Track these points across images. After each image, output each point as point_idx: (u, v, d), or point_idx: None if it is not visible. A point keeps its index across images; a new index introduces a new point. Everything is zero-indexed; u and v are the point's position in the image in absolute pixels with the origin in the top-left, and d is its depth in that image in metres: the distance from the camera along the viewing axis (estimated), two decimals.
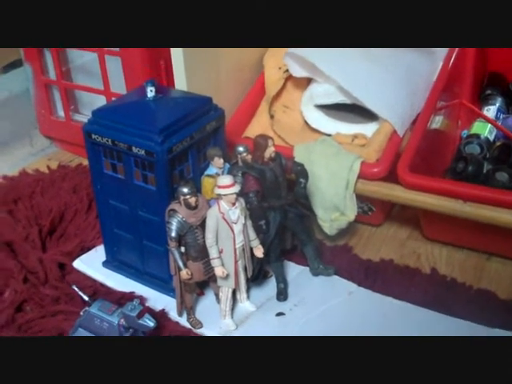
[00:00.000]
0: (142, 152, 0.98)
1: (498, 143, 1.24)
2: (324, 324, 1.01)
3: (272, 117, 1.30)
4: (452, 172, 1.21)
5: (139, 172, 1.01)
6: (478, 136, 1.26)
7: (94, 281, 1.13)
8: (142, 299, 1.06)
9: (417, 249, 1.20)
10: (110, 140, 1.00)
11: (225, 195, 0.95)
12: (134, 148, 0.98)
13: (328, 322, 1.02)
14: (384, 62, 1.24)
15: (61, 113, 1.56)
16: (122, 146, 0.99)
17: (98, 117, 1.03)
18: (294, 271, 1.13)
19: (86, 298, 1.02)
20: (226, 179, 0.96)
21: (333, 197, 1.15)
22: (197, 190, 1.00)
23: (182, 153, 1.01)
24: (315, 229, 1.17)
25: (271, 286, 1.10)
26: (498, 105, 1.35)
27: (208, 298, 1.08)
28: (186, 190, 0.96)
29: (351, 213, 1.15)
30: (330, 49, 1.23)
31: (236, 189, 0.96)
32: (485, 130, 1.28)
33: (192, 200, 0.96)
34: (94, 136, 1.02)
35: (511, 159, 1.18)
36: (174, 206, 0.97)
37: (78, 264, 1.17)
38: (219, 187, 0.96)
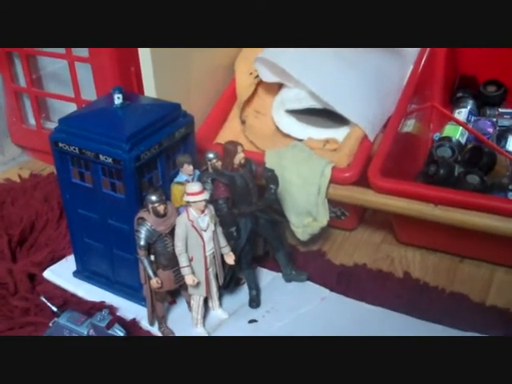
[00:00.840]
0: (110, 160, 0.96)
1: (470, 146, 1.25)
2: (297, 330, 1.00)
3: (243, 122, 1.29)
4: (424, 175, 1.21)
5: (107, 180, 1.00)
6: (449, 139, 1.26)
7: (64, 291, 1.11)
8: (112, 309, 1.05)
9: (390, 253, 1.19)
10: (77, 148, 0.99)
11: (194, 202, 0.94)
12: (101, 156, 0.97)
13: (301, 328, 1.01)
14: (354, 66, 1.24)
15: (32, 121, 1.54)
16: (89, 154, 0.98)
17: (64, 125, 1.02)
18: (267, 277, 1.13)
19: (54, 309, 1.00)
20: (194, 186, 0.95)
21: (305, 202, 1.14)
22: (166, 197, 0.99)
23: (151, 160, 1.00)
24: (288, 234, 1.16)
25: (243, 292, 1.09)
26: (469, 107, 1.36)
27: (180, 307, 1.07)
28: (154, 197, 0.95)
29: (323, 218, 1.15)
30: (300, 54, 1.23)
31: (205, 196, 0.95)
32: (456, 133, 1.28)
33: (161, 208, 0.95)
34: (61, 144, 1.01)
35: (482, 162, 1.19)
36: (142, 214, 0.96)
37: (49, 274, 1.15)
38: (188, 194, 0.95)
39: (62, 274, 1.15)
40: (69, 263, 1.16)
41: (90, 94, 1.36)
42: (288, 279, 1.11)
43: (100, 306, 1.05)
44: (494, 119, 1.33)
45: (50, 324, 0.97)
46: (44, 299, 1.02)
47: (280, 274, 1.12)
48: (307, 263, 1.15)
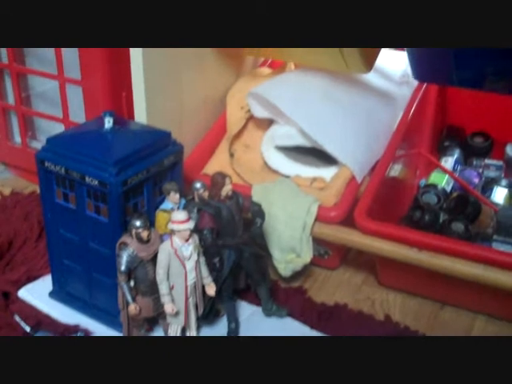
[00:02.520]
0: (96, 182, 0.95)
1: (455, 194, 1.25)
2: None
3: (232, 155, 1.29)
4: (408, 220, 1.21)
5: (91, 203, 0.99)
6: (435, 186, 1.27)
7: (38, 311, 1.09)
8: (87, 332, 1.03)
9: (371, 294, 1.19)
10: (63, 168, 0.98)
11: (178, 231, 0.93)
12: (87, 178, 0.96)
13: None
14: (346, 108, 1.25)
15: (18, 139, 1.52)
16: (75, 175, 0.97)
17: (52, 144, 1.01)
18: (247, 311, 1.11)
19: (27, 329, 0.98)
20: (180, 215, 0.94)
21: (289, 238, 1.13)
22: (151, 223, 0.98)
23: (137, 186, 0.99)
24: (270, 269, 1.15)
25: (222, 325, 1.07)
26: (456, 156, 1.37)
27: (156, 335, 1.05)
28: (138, 223, 0.93)
29: (307, 255, 1.14)
30: (292, 91, 1.25)
31: (190, 225, 0.94)
32: (442, 181, 1.29)
33: (144, 234, 0.94)
34: (47, 163, 1.00)
35: (467, 211, 1.19)
36: (125, 238, 0.95)
37: (23, 293, 1.12)
38: (173, 222, 0.94)
39: (38, 293, 1.12)
40: (45, 283, 1.14)
41: (78, 116, 1.36)
42: (268, 314, 1.10)
43: (74, 329, 1.03)
44: (480, 170, 1.34)
45: None
46: (17, 318, 1.00)
47: (260, 308, 1.10)
48: (288, 299, 1.14)
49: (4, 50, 1.41)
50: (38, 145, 1.48)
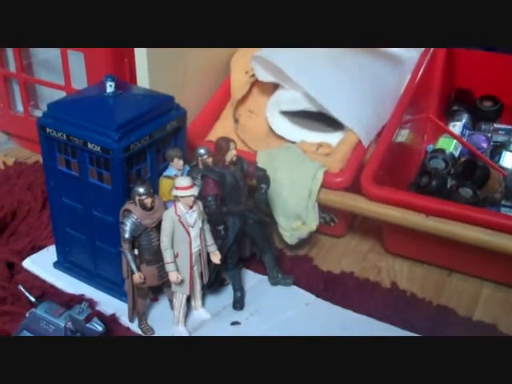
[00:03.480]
0: (98, 149, 0.94)
1: (463, 159, 1.24)
2: (280, 334, 0.98)
3: (236, 121, 1.27)
4: (416, 186, 1.20)
5: (94, 170, 0.98)
6: (443, 151, 1.25)
7: (43, 281, 1.08)
8: (91, 302, 1.02)
9: (378, 262, 1.18)
10: (64, 135, 0.96)
11: (182, 197, 0.92)
12: (89, 144, 0.94)
13: (284, 332, 0.98)
14: (352, 71, 1.22)
15: (20, 108, 1.50)
16: (77, 141, 0.96)
17: (53, 110, 0.99)
18: (252, 280, 1.10)
19: (32, 299, 0.98)
20: (183, 181, 0.93)
21: (295, 205, 1.12)
22: (154, 190, 0.96)
23: (140, 152, 0.98)
24: (275, 237, 1.14)
25: (227, 293, 1.06)
26: (464, 121, 1.35)
27: (161, 304, 1.04)
28: (141, 189, 0.92)
29: (313, 222, 1.13)
30: (298, 54, 1.22)
31: (194, 191, 0.92)
32: (450, 146, 1.27)
33: (148, 201, 0.93)
34: (48, 130, 0.98)
35: (475, 176, 1.17)
36: (128, 206, 0.94)
37: (28, 264, 1.12)
38: (177, 188, 0.92)
39: (42, 264, 1.12)
40: (50, 253, 1.13)
41: (80, 83, 1.34)
42: (274, 283, 1.09)
43: (79, 299, 1.02)
44: (489, 134, 1.32)
45: (27, 314, 0.94)
46: (22, 289, 0.99)
47: (266, 277, 1.10)
48: (294, 268, 1.13)
49: None
50: (40, 113, 1.44)
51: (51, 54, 1.41)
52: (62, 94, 1.37)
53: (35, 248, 1.16)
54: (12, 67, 1.46)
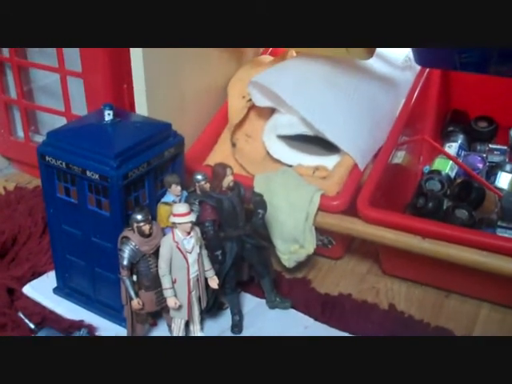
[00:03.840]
0: (97, 176, 0.95)
1: (459, 180, 1.25)
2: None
3: (234, 145, 1.28)
4: (412, 207, 1.21)
5: (93, 197, 0.99)
6: (439, 172, 1.26)
7: (43, 308, 1.09)
8: (91, 328, 1.03)
9: (376, 284, 1.18)
10: (64, 163, 0.98)
11: (180, 224, 0.93)
12: (88, 172, 0.96)
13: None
14: (347, 95, 1.23)
15: (20, 133, 1.52)
16: (76, 169, 0.97)
17: (52, 138, 1.01)
18: (251, 303, 1.11)
19: (31, 326, 0.98)
20: (181, 207, 0.94)
21: (292, 229, 1.13)
22: (152, 217, 0.98)
23: (138, 179, 0.99)
24: (273, 260, 1.15)
25: (226, 317, 1.07)
26: (459, 142, 1.36)
27: (160, 329, 1.05)
28: (139, 216, 0.93)
29: (310, 245, 1.14)
30: (293, 79, 1.23)
31: (191, 217, 0.94)
32: (446, 167, 1.28)
33: (146, 228, 0.94)
34: (47, 158, 1.00)
35: (471, 197, 1.18)
36: (126, 233, 0.95)
37: (28, 290, 1.13)
38: (174, 215, 0.93)
39: (42, 290, 1.12)
40: (49, 279, 1.14)
41: (80, 109, 1.35)
42: (272, 306, 1.09)
43: (79, 325, 1.03)
44: (484, 155, 1.33)
45: None
46: (22, 315, 1.00)
47: (264, 301, 1.10)
48: (292, 290, 1.13)
49: None
50: (40, 139, 1.46)
51: (51, 80, 1.42)
52: (62, 120, 1.39)
53: (35, 274, 1.17)
54: (12, 93, 1.48)
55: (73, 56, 1.31)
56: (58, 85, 1.38)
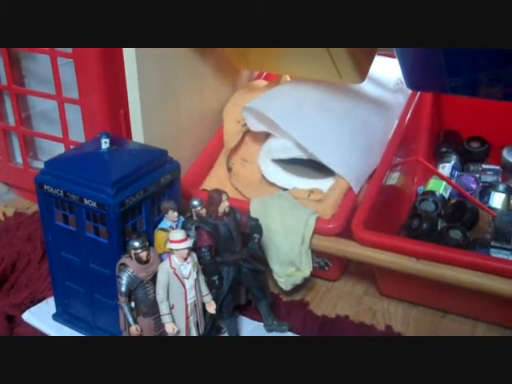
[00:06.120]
0: (94, 204, 0.96)
1: (453, 201, 1.26)
2: None
3: (230, 170, 1.30)
4: (407, 229, 1.22)
5: (91, 224, 1.00)
6: (433, 193, 1.28)
7: (42, 334, 1.10)
8: None
9: (373, 305, 1.19)
10: (62, 191, 0.99)
11: (176, 250, 0.94)
12: (85, 200, 0.97)
13: None
14: (340, 118, 1.25)
15: (19, 159, 1.54)
16: (73, 197, 0.98)
17: (50, 167, 1.02)
18: (249, 327, 1.12)
19: None
20: (177, 234, 0.95)
21: (288, 252, 1.14)
22: (150, 243, 0.99)
23: (135, 206, 1.00)
24: (270, 283, 1.16)
25: None
26: (453, 162, 1.38)
27: None
28: (136, 243, 0.95)
29: (307, 268, 1.15)
30: (287, 105, 1.25)
31: (188, 244, 0.95)
32: (440, 187, 1.29)
33: (143, 254, 0.95)
34: (46, 187, 1.01)
35: (465, 217, 1.20)
36: (124, 260, 0.96)
37: (28, 317, 1.13)
38: (171, 242, 0.95)
39: (42, 316, 1.13)
40: (49, 306, 1.15)
41: (78, 134, 1.37)
42: (269, 330, 1.10)
43: None
44: (477, 175, 1.35)
45: None
46: None
47: (261, 324, 1.11)
48: (289, 313, 1.14)
49: (3, 72, 1.43)
50: (39, 165, 1.49)
51: (49, 106, 1.44)
52: (60, 146, 1.41)
53: (34, 300, 1.17)
54: (11, 119, 1.50)
55: (70, 83, 1.33)
56: (55, 111, 1.40)
